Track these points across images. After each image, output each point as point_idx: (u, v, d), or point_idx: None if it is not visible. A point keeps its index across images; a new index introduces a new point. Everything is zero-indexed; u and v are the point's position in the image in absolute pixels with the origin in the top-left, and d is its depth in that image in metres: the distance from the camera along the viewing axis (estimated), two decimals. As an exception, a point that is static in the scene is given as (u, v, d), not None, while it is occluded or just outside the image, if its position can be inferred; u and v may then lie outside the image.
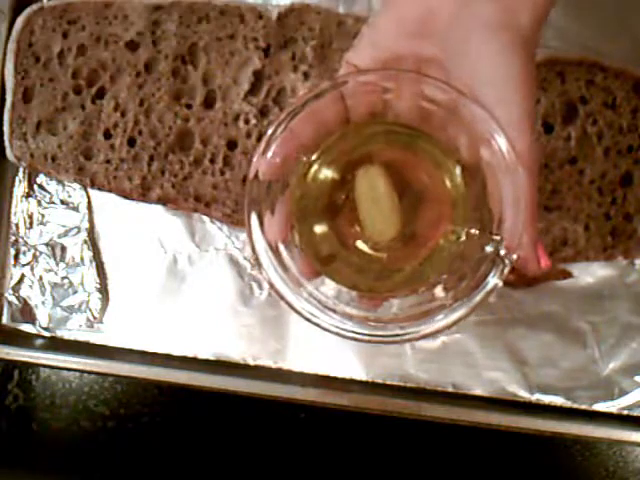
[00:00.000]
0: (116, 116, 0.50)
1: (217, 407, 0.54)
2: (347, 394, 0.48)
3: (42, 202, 0.53)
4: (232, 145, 0.50)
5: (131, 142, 0.50)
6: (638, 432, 0.46)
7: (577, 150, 0.48)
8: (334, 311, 0.33)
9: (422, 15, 0.34)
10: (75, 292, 0.52)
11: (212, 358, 0.51)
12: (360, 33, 0.36)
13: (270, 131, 0.33)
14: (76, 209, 0.53)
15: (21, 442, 0.56)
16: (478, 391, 0.49)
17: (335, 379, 0.50)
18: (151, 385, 0.55)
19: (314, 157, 0.35)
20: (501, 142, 0.32)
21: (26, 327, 0.53)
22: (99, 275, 0.52)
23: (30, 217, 0.53)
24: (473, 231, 0.34)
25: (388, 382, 0.50)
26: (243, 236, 0.51)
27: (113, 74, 0.50)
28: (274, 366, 0.51)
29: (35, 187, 0.53)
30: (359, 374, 0.50)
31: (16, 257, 0.53)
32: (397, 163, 0.36)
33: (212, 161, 0.50)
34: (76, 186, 0.53)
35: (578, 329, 0.49)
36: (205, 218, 0.52)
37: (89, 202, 0.53)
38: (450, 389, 0.49)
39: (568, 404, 0.49)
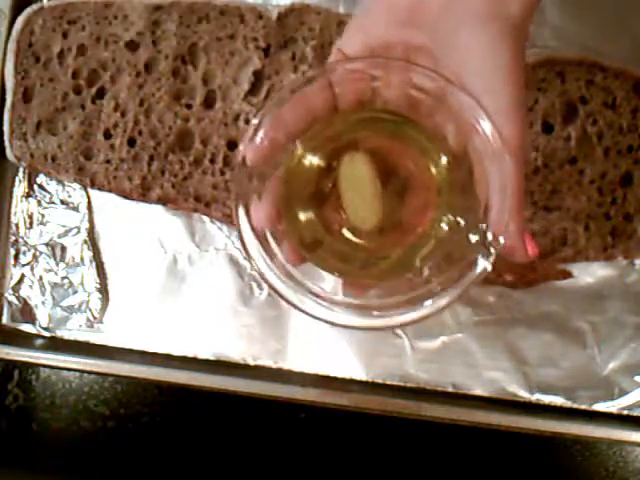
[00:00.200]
0: (116, 116, 0.50)
1: (217, 407, 0.54)
2: (347, 394, 0.48)
3: (42, 202, 0.53)
4: (232, 145, 0.50)
5: (131, 142, 0.50)
6: (638, 432, 0.46)
7: (577, 150, 0.48)
8: (323, 298, 0.33)
9: (412, 4, 0.34)
10: (75, 292, 0.52)
11: (212, 358, 0.51)
12: (350, 21, 0.36)
13: (258, 117, 0.33)
14: (76, 209, 0.53)
15: (21, 442, 0.56)
16: (478, 391, 0.49)
17: (335, 379, 0.50)
18: (151, 385, 0.55)
19: (301, 144, 0.35)
20: (488, 129, 0.32)
21: (26, 327, 0.53)
22: (99, 275, 0.52)
23: (30, 217, 0.53)
24: (459, 218, 0.34)
25: (388, 382, 0.50)
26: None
27: (113, 74, 0.50)
28: (274, 366, 0.51)
29: (35, 187, 0.53)
30: (359, 374, 0.50)
31: (16, 257, 0.53)
32: (383, 150, 0.36)
33: (212, 161, 0.50)
34: (76, 186, 0.53)
35: (578, 329, 0.49)
36: (205, 218, 0.52)
37: (89, 202, 0.53)
38: (450, 389, 0.49)
39: (568, 404, 0.49)
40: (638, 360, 0.49)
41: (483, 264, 0.32)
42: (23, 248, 0.53)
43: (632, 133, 0.48)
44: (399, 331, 0.50)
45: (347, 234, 0.36)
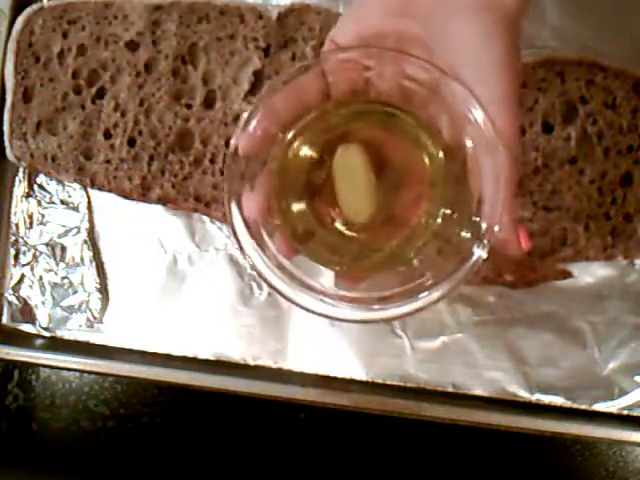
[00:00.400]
0: (116, 116, 0.50)
1: (217, 407, 0.54)
2: (347, 394, 0.48)
3: (42, 202, 0.53)
4: (232, 145, 0.50)
5: (131, 142, 0.50)
6: (638, 432, 0.46)
7: (577, 150, 0.48)
8: (315, 291, 0.33)
9: None
10: (75, 292, 0.52)
11: (212, 358, 0.51)
12: (345, 11, 0.36)
13: (251, 107, 0.33)
14: (76, 209, 0.53)
15: (21, 442, 0.56)
16: (478, 391, 0.49)
17: (335, 379, 0.50)
18: (151, 385, 0.55)
19: (294, 134, 0.35)
20: (481, 120, 0.32)
21: (26, 327, 0.53)
22: (99, 275, 0.52)
23: (30, 217, 0.53)
24: (453, 210, 0.34)
25: (388, 382, 0.50)
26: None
27: (113, 74, 0.50)
28: (274, 366, 0.51)
29: (35, 187, 0.53)
30: (359, 374, 0.50)
31: (16, 257, 0.53)
32: (377, 142, 0.36)
33: (212, 161, 0.50)
34: (76, 186, 0.53)
35: (578, 329, 0.49)
36: (205, 218, 0.52)
37: (89, 202, 0.53)
38: (450, 389, 0.49)
39: (568, 404, 0.49)
40: (638, 360, 0.49)
41: (478, 253, 0.32)
42: (23, 248, 0.53)
43: (632, 133, 0.48)
44: (399, 331, 0.50)
45: (340, 226, 0.36)
